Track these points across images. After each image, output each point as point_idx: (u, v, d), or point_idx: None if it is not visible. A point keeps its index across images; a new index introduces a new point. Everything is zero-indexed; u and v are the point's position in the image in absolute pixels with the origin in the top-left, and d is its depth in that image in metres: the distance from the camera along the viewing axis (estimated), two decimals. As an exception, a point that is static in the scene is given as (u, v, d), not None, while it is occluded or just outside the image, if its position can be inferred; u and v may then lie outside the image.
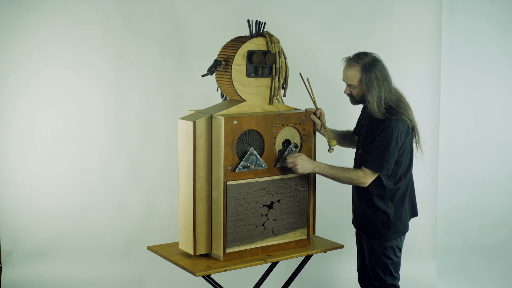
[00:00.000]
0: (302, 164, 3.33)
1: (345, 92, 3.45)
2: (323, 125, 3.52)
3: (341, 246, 3.62)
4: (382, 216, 3.42)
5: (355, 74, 3.35)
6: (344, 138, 3.76)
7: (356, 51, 3.47)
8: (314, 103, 3.54)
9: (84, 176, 4.84)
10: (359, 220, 3.56)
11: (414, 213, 3.60)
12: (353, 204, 3.61)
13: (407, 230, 3.53)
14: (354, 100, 3.46)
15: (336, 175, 3.35)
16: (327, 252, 3.63)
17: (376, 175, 3.35)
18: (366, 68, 3.33)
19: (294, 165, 3.34)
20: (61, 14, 4.66)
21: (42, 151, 4.79)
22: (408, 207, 3.52)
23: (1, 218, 4.75)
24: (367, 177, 3.33)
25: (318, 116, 3.50)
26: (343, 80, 3.44)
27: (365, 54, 3.38)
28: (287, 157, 3.36)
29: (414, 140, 3.45)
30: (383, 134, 3.28)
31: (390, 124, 3.28)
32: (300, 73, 3.56)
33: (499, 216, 5.22)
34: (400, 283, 3.60)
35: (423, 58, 4.97)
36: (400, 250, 3.53)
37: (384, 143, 3.28)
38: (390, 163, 3.32)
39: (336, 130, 3.76)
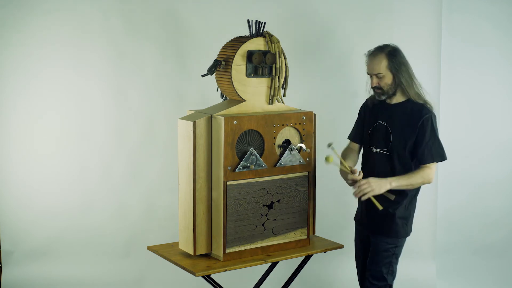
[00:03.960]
0: (373, 187, 3.31)
1: (372, 85, 3.46)
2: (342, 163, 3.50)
3: (341, 246, 3.62)
4: (403, 212, 3.44)
5: (381, 61, 3.40)
6: (355, 157, 3.72)
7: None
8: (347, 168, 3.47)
9: (84, 176, 4.84)
10: (370, 217, 3.54)
11: None
12: (364, 202, 3.55)
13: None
14: (382, 92, 3.46)
15: (410, 183, 3.36)
16: (327, 252, 3.63)
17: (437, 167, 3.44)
18: (391, 54, 3.40)
19: (362, 193, 3.33)
20: (61, 14, 4.66)
21: (42, 151, 4.79)
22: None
23: (1, 218, 4.75)
24: (434, 171, 3.40)
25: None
26: (368, 73, 3.47)
27: (386, 45, 3.46)
28: (355, 189, 3.37)
29: None
30: (429, 125, 3.35)
31: (428, 113, 3.37)
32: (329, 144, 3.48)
33: (499, 216, 5.22)
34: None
35: (423, 58, 4.97)
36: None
37: (433, 133, 3.36)
38: (444, 150, 3.44)
39: (346, 157, 3.67)
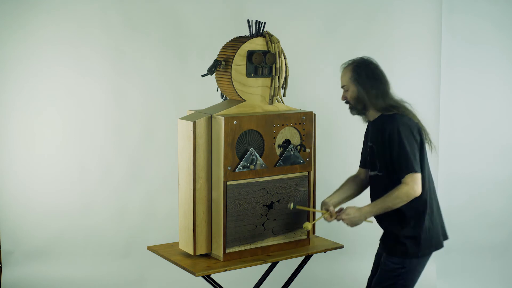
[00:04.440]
0: (350, 219, 3.16)
1: (342, 98, 3.30)
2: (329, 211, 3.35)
3: (341, 246, 3.62)
4: (411, 231, 3.18)
5: (346, 73, 3.23)
6: (355, 190, 3.47)
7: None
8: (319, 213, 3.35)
9: (85, 176, 4.85)
10: (382, 234, 3.33)
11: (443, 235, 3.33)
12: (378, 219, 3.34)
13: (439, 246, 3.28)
14: (351, 107, 3.28)
15: (387, 206, 3.11)
16: (327, 252, 3.63)
17: (419, 177, 3.08)
18: (357, 65, 3.21)
19: (347, 222, 3.18)
20: (61, 14, 4.67)
21: (42, 151, 4.79)
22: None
23: (1, 218, 4.75)
24: (413, 185, 3.06)
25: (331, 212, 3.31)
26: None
27: (360, 57, 3.27)
28: (338, 219, 3.22)
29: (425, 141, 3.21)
30: (395, 136, 3.09)
31: (393, 123, 3.11)
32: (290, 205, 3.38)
33: (499, 216, 5.22)
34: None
35: (423, 58, 4.97)
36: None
37: (401, 144, 3.08)
38: (417, 160, 3.09)
39: (340, 192, 3.46)
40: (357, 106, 3.25)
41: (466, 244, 5.19)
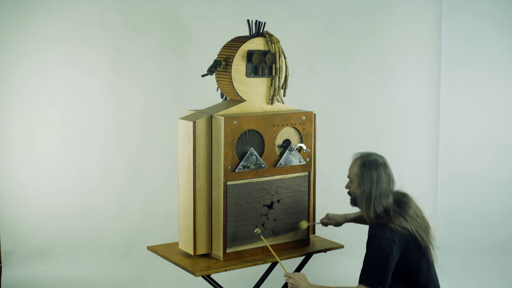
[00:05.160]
0: (296, 284, 3.09)
1: (345, 186, 3.24)
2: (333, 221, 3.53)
3: (341, 246, 3.62)
4: None
5: (354, 166, 3.16)
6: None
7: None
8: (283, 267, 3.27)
9: (85, 176, 4.85)
10: None
11: None
12: None
13: None
14: (351, 199, 3.22)
15: None
16: (327, 252, 3.63)
17: None
18: (364, 164, 3.12)
19: (291, 284, 3.13)
20: (61, 14, 4.67)
21: (42, 151, 4.79)
22: None
23: (1, 218, 4.75)
24: None
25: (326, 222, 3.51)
26: None
27: (375, 154, 3.18)
28: (285, 274, 3.17)
29: (419, 247, 3.09)
30: (370, 245, 3.05)
31: (375, 233, 3.04)
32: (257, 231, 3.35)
33: (499, 216, 5.22)
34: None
35: (423, 58, 4.97)
36: None
37: (373, 255, 3.02)
38: (385, 278, 2.99)
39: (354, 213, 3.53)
40: (356, 200, 3.19)
41: (466, 244, 5.19)
